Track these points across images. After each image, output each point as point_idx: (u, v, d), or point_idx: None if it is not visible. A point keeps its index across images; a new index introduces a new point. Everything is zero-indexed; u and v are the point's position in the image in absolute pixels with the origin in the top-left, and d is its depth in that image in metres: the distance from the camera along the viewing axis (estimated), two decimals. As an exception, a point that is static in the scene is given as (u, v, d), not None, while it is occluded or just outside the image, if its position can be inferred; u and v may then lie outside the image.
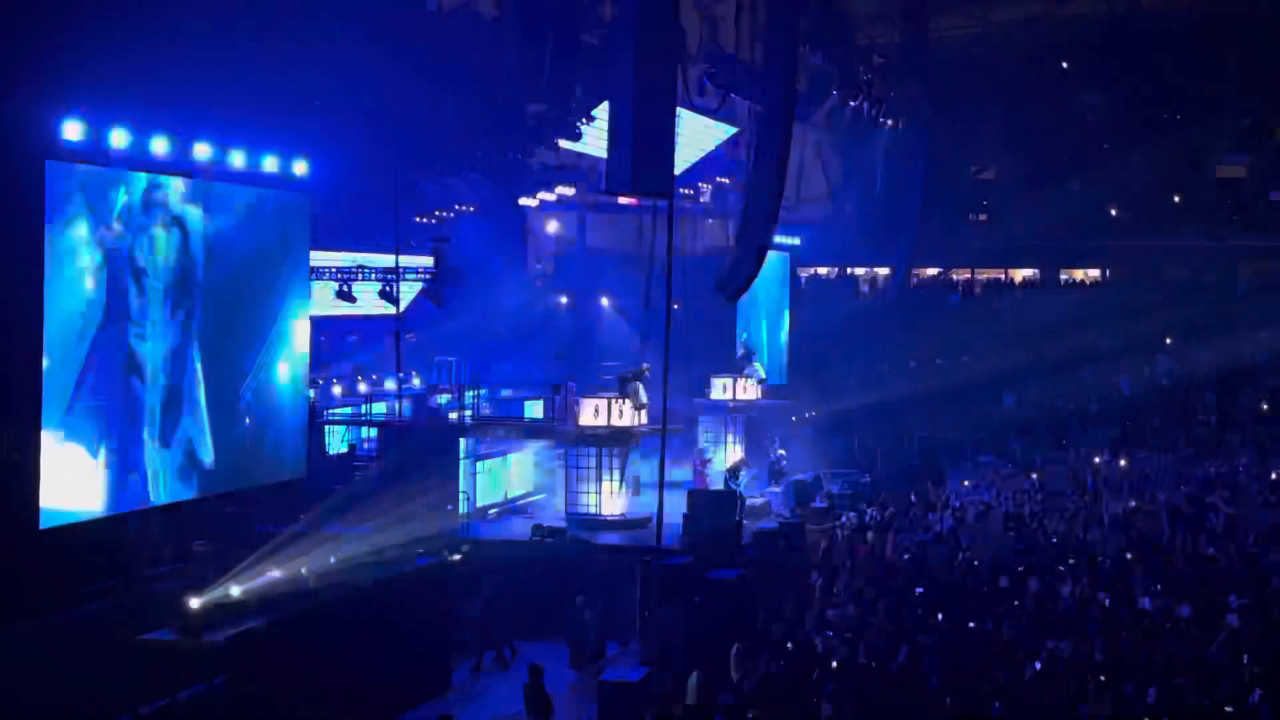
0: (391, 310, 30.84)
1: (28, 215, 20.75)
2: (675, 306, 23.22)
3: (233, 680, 18.32)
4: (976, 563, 26.15)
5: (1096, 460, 39.77)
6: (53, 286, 20.61)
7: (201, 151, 23.79)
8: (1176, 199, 55.73)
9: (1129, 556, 26.26)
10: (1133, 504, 32.25)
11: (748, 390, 37.17)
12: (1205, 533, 29.00)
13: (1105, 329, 49.03)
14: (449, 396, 34.20)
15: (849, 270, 57.59)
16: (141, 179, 22.33)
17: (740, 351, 38.14)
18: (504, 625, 24.85)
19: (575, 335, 42.91)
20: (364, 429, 33.11)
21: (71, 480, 20.90)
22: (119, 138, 21.90)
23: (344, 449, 33.01)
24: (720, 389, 36.93)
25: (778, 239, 29.99)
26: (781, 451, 35.91)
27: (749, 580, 24.17)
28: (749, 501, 31.47)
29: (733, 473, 32.38)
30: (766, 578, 25.16)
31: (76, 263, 21.12)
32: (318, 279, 30.09)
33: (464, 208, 37.75)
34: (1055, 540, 28.07)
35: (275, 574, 20.53)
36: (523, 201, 39.89)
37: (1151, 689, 17.50)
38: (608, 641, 24.88)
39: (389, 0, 29.21)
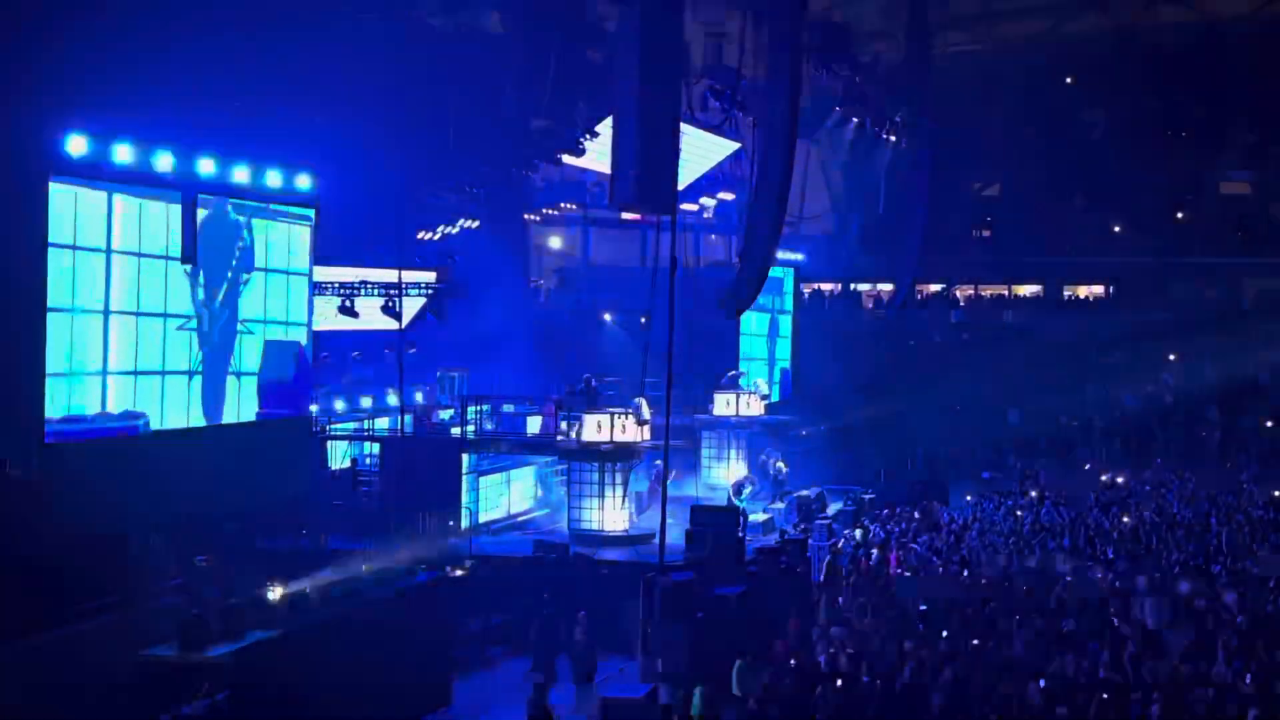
0: (394, 325, 30.84)
1: (31, 227, 20.83)
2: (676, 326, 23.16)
3: (236, 695, 18.28)
4: (983, 580, 26.09)
5: (1101, 476, 39.77)
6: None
7: (206, 167, 23.87)
8: (1180, 215, 55.76)
9: (1131, 572, 26.20)
10: (1136, 520, 32.19)
11: (750, 406, 37.14)
12: (1209, 548, 28.94)
13: (1109, 345, 49.01)
14: (451, 412, 34.19)
15: (852, 285, 57.62)
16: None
17: (728, 375, 38.22)
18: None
19: (578, 350, 42.87)
20: (366, 444, 33.08)
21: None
22: (123, 153, 21.97)
23: (346, 464, 32.98)
24: (723, 404, 36.91)
25: (781, 254, 29.93)
26: (780, 465, 35.84)
27: (752, 596, 24.12)
28: (750, 517, 31.44)
29: (737, 489, 32.35)
30: (769, 594, 25.11)
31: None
32: (320, 294, 30.12)
33: (467, 223, 37.76)
34: (1059, 556, 27.99)
35: (279, 589, 20.51)
36: (526, 216, 39.95)
37: (1155, 706, 17.46)
38: (608, 657, 24.76)
39: (393, 17, 29.25)
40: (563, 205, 45.41)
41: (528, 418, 33.14)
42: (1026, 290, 58.06)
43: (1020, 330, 52.25)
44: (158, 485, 23.45)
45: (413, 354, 35.27)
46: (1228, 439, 45.16)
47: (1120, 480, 39.08)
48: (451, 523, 29.04)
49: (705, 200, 47.16)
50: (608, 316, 44.36)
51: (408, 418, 32.66)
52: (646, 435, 30.32)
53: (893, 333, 49.79)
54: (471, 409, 32.63)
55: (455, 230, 37.62)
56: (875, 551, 29.07)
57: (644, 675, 22.49)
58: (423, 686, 22.12)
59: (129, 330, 24.23)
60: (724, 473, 35.91)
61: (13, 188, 20.73)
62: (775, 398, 44.08)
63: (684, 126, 26.30)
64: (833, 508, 34.49)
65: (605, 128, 29.84)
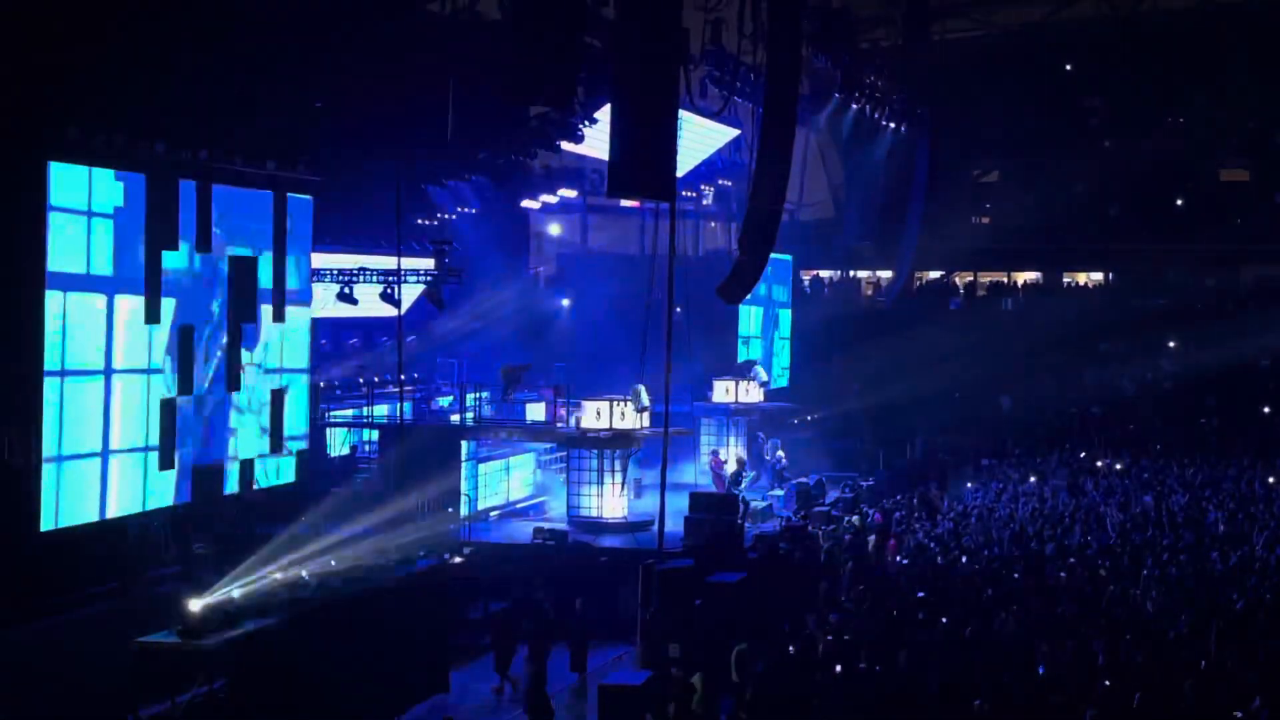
0: (393, 312, 30.83)
1: (28, 218, 20.76)
2: (677, 310, 23.11)
3: (234, 683, 18.30)
4: (977, 566, 26.11)
5: (1098, 463, 39.76)
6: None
7: (205, 155, 23.81)
8: (1179, 202, 55.69)
9: (1129, 560, 26.22)
10: (1134, 507, 32.20)
11: (750, 393, 37.15)
12: (1207, 536, 28.95)
13: (1107, 332, 48.98)
14: (450, 399, 34.18)
15: (851, 273, 57.57)
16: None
17: (742, 362, 38.33)
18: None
19: (576, 337, 42.89)
20: (365, 431, 33.08)
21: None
22: (118, 142, 21.92)
23: (345, 451, 32.99)
24: (722, 391, 36.93)
25: (779, 241, 29.87)
26: (780, 454, 35.85)
27: (751, 583, 24.13)
28: (751, 505, 31.45)
29: (734, 476, 32.35)
30: (768, 581, 25.12)
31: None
32: (319, 281, 30.09)
33: (465, 210, 37.70)
34: (1056, 544, 27.99)
35: (276, 576, 20.53)
36: (524, 204, 39.88)
37: (1153, 693, 17.45)
38: (604, 644, 24.79)
39: (390, 1, 29.18)
40: (561, 192, 45.37)
41: (527, 405, 33.16)
42: (1026, 277, 58.03)
43: (1019, 317, 52.22)
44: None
45: (411, 341, 35.28)
46: (1226, 426, 45.15)
47: (1119, 467, 39.08)
48: (450, 510, 29.07)
49: (704, 187, 47.08)
50: (607, 303, 44.34)
51: (406, 405, 32.65)
52: (646, 422, 30.33)
53: (892, 320, 49.72)
54: (470, 396, 32.64)
55: (453, 217, 37.57)
56: (874, 538, 29.09)
57: (642, 662, 22.50)
58: (421, 673, 22.16)
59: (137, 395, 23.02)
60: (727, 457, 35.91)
61: (14, 175, 20.67)
62: (782, 382, 44.13)
63: (683, 113, 26.22)
64: (831, 495, 34.51)
65: (604, 114, 29.75)
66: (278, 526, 23.71)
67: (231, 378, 24.78)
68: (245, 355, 25.28)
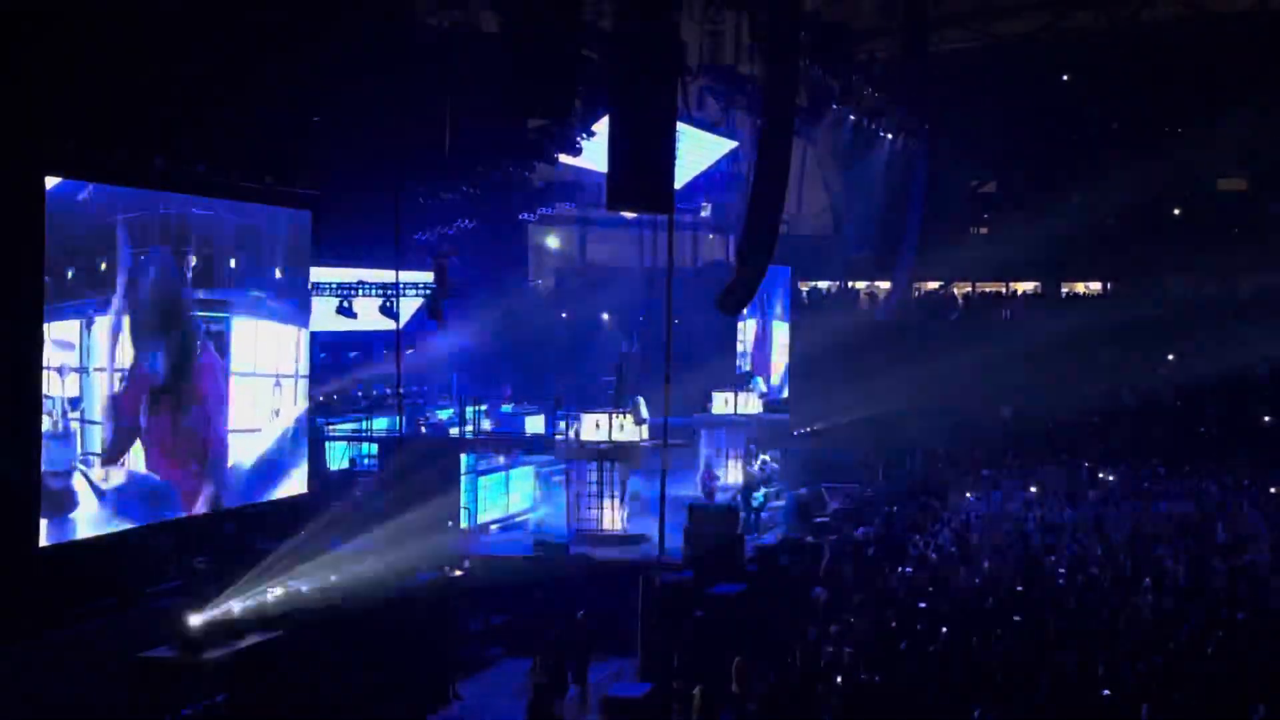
0: (392, 326, 30.84)
1: (25, 234, 20.72)
2: (675, 321, 23.13)
3: (234, 698, 18.27)
4: (977, 578, 26.10)
5: (1098, 474, 39.77)
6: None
7: (201, 169, 23.78)
8: (1177, 211, 55.74)
9: (1129, 569, 26.22)
10: (1134, 516, 32.22)
11: (749, 404, 37.15)
12: (1207, 546, 28.95)
13: (1106, 342, 49.00)
14: (450, 412, 34.14)
15: (849, 284, 57.60)
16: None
17: (740, 370, 38.34)
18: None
19: (575, 350, 42.89)
20: (364, 444, 33.05)
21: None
22: (118, 156, 21.89)
23: (344, 465, 32.94)
24: (721, 403, 36.91)
25: (778, 253, 29.89)
26: (766, 458, 35.72)
27: (751, 595, 24.11)
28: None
29: (746, 489, 32.27)
30: (769, 593, 25.10)
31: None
32: (318, 295, 30.08)
33: (464, 223, 37.72)
34: (1056, 554, 27.99)
35: (276, 590, 20.51)
36: (523, 217, 39.87)
37: (1156, 702, 17.44)
38: (604, 657, 24.72)
39: (388, 15, 29.22)
40: (559, 205, 45.39)
41: (526, 418, 33.14)
42: (1024, 287, 58.07)
43: (1018, 327, 52.22)
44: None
45: (410, 354, 35.25)
46: (1225, 435, 45.17)
47: (1110, 479, 39.09)
48: (450, 523, 29.03)
49: (703, 201, 47.14)
50: (605, 316, 44.37)
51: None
52: (645, 434, 30.30)
53: (890, 330, 49.75)
54: (470, 409, 32.63)
55: (451, 231, 37.56)
56: (873, 549, 29.07)
57: (643, 674, 22.49)
58: (422, 687, 22.12)
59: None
60: (722, 472, 35.87)
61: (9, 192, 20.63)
62: (781, 394, 44.13)
63: (681, 125, 26.27)
64: (832, 506, 34.48)
65: (602, 127, 29.79)
66: (277, 541, 23.67)
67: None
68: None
